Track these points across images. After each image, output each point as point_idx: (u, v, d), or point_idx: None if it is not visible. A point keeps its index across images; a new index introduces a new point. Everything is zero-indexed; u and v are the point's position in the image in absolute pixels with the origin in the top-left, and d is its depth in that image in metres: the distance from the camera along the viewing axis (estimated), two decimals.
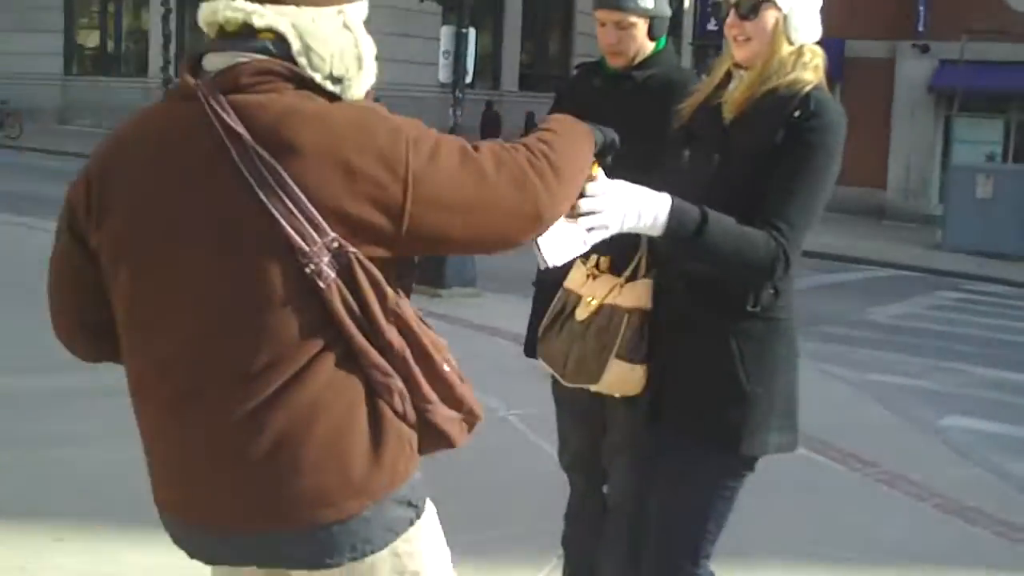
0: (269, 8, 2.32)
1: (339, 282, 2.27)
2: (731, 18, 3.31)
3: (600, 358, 3.54)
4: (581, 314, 3.63)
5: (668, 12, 4.14)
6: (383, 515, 2.40)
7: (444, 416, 2.45)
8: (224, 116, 2.25)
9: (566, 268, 3.57)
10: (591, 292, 3.61)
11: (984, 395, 10.63)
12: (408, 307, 2.43)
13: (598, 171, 2.83)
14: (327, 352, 2.30)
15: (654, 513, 3.49)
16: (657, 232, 3.01)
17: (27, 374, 7.92)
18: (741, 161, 3.24)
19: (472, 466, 6.78)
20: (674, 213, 3.00)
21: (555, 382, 4.33)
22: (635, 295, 3.52)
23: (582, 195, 2.77)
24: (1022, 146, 28.67)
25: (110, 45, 43.59)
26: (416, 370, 2.40)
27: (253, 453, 2.32)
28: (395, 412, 2.38)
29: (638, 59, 4.11)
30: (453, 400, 2.47)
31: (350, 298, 2.29)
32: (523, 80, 41.84)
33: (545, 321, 3.79)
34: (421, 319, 2.47)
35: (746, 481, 3.42)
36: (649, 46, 4.11)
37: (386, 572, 2.47)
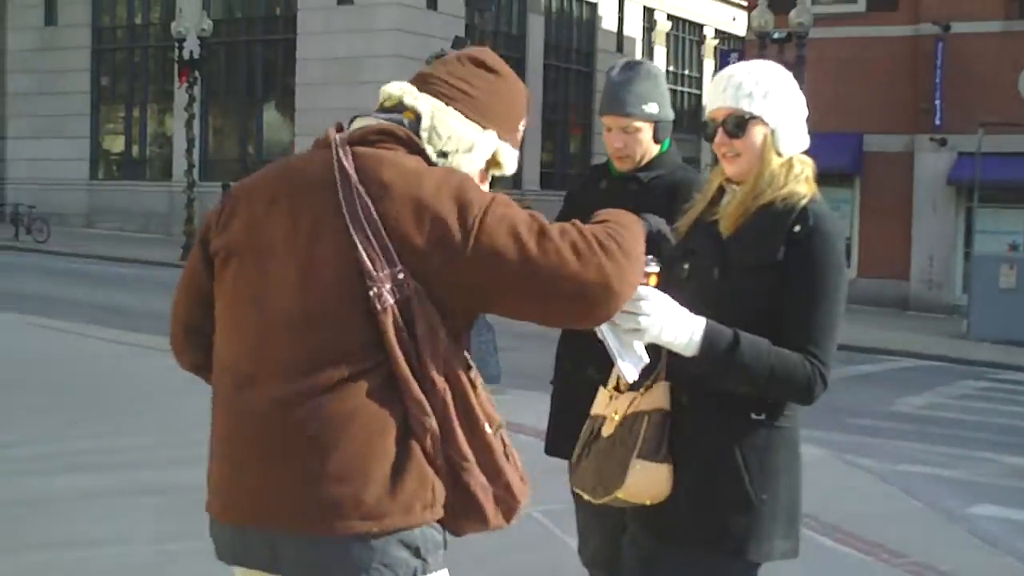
0: (423, 96, 2.78)
1: (396, 310, 2.52)
2: (719, 136, 3.34)
3: (623, 463, 3.43)
4: (606, 431, 3.62)
5: (671, 116, 4.28)
6: (385, 550, 2.52)
7: (478, 482, 2.57)
8: (343, 159, 2.65)
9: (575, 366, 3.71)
10: (614, 409, 3.61)
11: (1012, 484, 10.56)
12: (462, 361, 2.60)
13: (653, 278, 3.01)
14: (372, 373, 2.53)
15: None
16: (691, 351, 3.08)
17: (58, 475, 8.00)
18: (740, 275, 3.26)
19: (498, 559, 6.84)
20: (708, 334, 3.08)
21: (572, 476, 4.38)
22: (654, 398, 3.48)
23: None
24: None
25: (135, 150, 44.25)
26: (455, 419, 2.54)
27: (284, 450, 2.55)
28: (424, 453, 2.52)
29: (643, 161, 4.24)
30: (492, 469, 2.59)
31: (403, 327, 2.53)
32: (544, 179, 42.21)
33: (576, 451, 3.77)
34: (475, 385, 2.62)
35: None
36: (654, 149, 4.25)
37: None
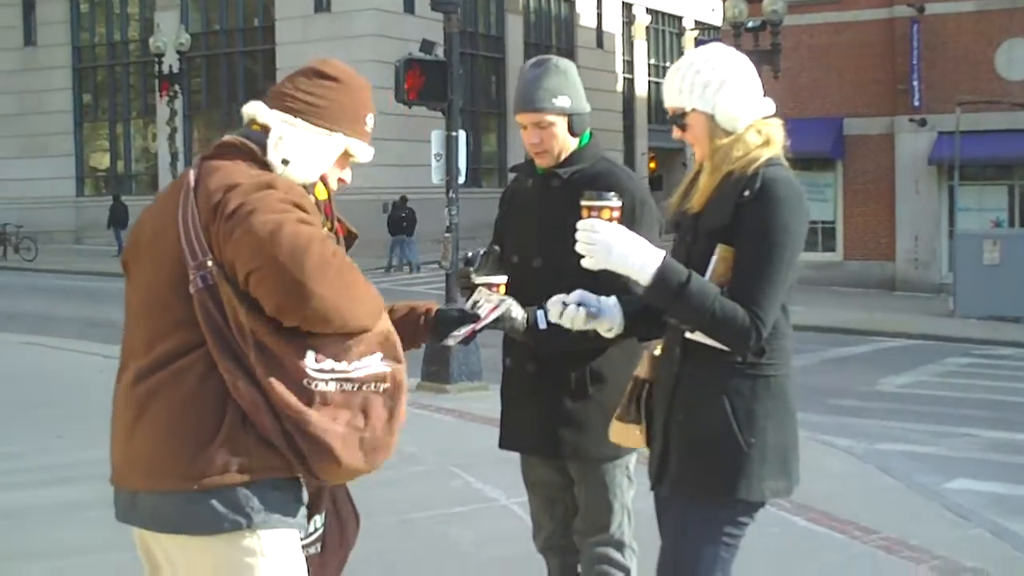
0: (275, 112, 3.17)
1: (206, 293, 2.92)
2: (675, 131, 3.69)
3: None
4: None
5: (587, 109, 4.33)
6: (205, 505, 2.89)
7: (319, 427, 2.91)
8: (190, 170, 3.10)
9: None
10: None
11: (990, 457, 10.69)
12: (270, 330, 2.94)
13: (606, 211, 3.46)
14: (195, 351, 2.94)
15: (660, 568, 3.63)
16: (644, 280, 3.40)
17: (40, 487, 8.13)
18: (705, 240, 3.53)
19: (478, 548, 6.96)
20: (662, 267, 3.38)
21: (524, 467, 4.52)
22: (640, 365, 3.83)
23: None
24: None
25: (120, 166, 44.36)
26: (277, 387, 2.89)
27: (127, 418, 3.00)
28: (246, 420, 2.89)
29: (563, 156, 4.30)
30: (332, 413, 2.93)
31: (213, 309, 2.92)
32: None
33: None
34: (303, 359, 2.96)
35: (747, 532, 3.59)
36: (572, 142, 4.30)
37: (200, 560, 2.96)
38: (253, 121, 3.19)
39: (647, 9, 52.08)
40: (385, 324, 3.09)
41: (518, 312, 3.85)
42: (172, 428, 2.91)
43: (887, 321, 22.58)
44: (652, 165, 52.36)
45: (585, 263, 3.45)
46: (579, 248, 3.44)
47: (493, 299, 3.76)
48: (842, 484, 8.84)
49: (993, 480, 9.69)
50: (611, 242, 3.40)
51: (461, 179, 13.67)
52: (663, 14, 53.71)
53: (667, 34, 54.59)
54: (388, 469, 8.95)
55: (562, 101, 4.23)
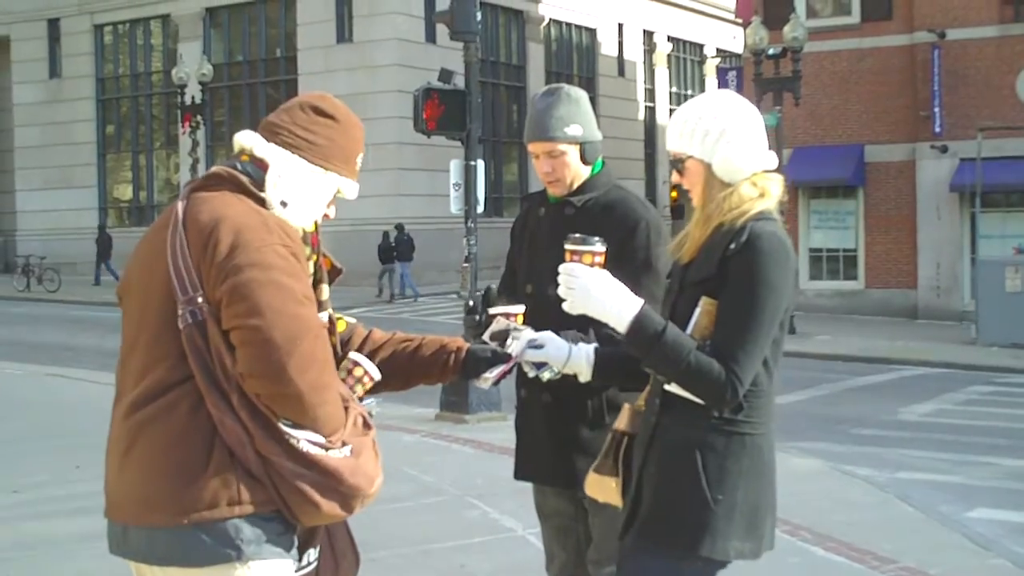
0: (271, 145, 3.17)
1: (194, 330, 2.94)
2: (674, 175, 3.68)
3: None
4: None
5: (598, 137, 4.33)
6: (194, 539, 2.91)
7: (295, 473, 2.93)
8: (179, 202, 3.09)
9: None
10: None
11: (1011, 486, 10.61)
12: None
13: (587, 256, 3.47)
14: (183, 385, 2.95)
15: None
16: (621, 327, 3.41)
17: (57, 518, 8.17)
18: (690, 291, 3.51)
19: None
20: (639, 315, 3.39)
21: (538, 498, 4.52)
22: (620, 418, 3.81)
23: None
24: None
25: (143, 196, 44.58)
26: (259, 425, 2.91)
27: (119, 450, 3.02)
28: (234, 456, 2.90)
29: (575, 184, 4.31)
30: (306, 463, 2.94)
31: (201, 345, 2.93)
32: None
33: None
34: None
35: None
36: (584, 171, 4.31)
37: None
38: (243, 152, 3.20)
39: (668, 37, 52.14)
40: (343, 426, 3.09)
41: None
42: (161, 462, 2.93)
43: (909, 349, 22.48)
44: (674, 195, 52.15)
45: (565, 307, 3.50)
46: (560, 292, 3.49)
47: (522, 334, 3.78)
48: (862, 513, 8.80)
49: (1014, 509, 9.62)
50: (590, 287, 3.44)
51: (480, 209, 13.71)
52: (684, 42, 53.77)
53: (688, 62, 54.66)
54: (406, 499, 9.02)
55: (574, 130, 4.24)
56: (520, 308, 3.91)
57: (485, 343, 3.75)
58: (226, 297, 2.90)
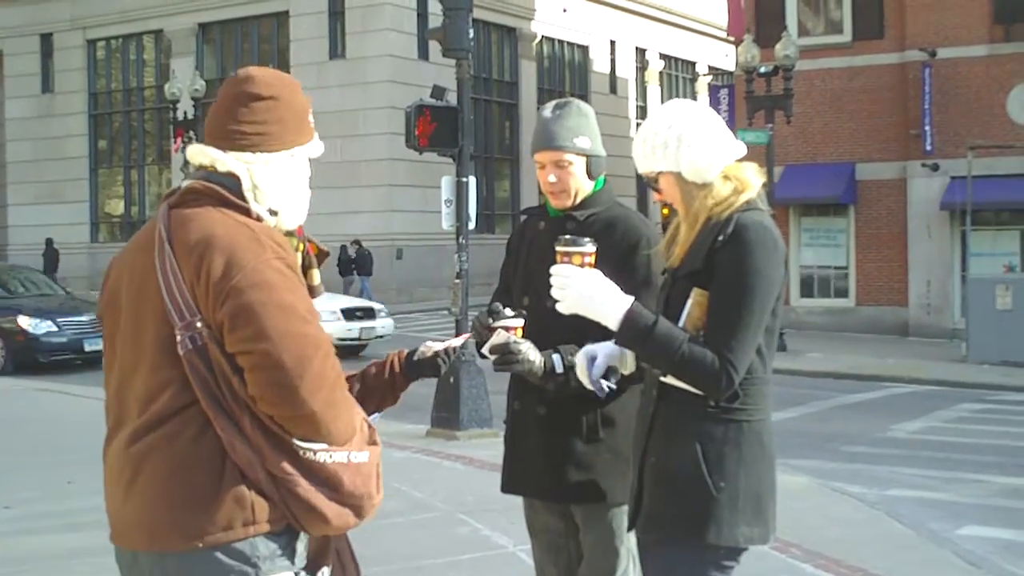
0: (231, 155, 3.07)
1: (195, 356, 2.89)
2: (654, 194, 3.80)
3: None
4: None
5: (603, 153, 4.38)
6: (212, 562, 2.89)
7: (306, 488, 2.93)
8: (160, 222, 3.02)
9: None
10: None
11: (1001, 504, 10.63)
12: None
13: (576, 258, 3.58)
14: (189, 410, 2.92)
15: None
16: (612, 325, 3.49)
17: (50, 534, 8.18)
18: (681, 284, 3.59)
19: None
20: (629, 312, 3.47)
21: (528, 513, 4.53)
22: None
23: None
24: None
25: (135, 211, 44.55)
26: (266, 444, 2.90)
27: (123, 478, 2.98)
28: (244, 476, 2.88)
29: (579, 198, 4.34)
30: (318, 477, 2.95)
31: (204, 370, 2.89)
32: None
33: None
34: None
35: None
36: (588, 185, 4.35)
37: None
38: (204, 167, 3.12)
39: (660, 55, 52.27)
40: (356, 429, 3.10)
41: (535, 356, 3.93)
42: (169, 490, 2.91)
43: (900, 367, 22.50)
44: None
45: (558, 307, 3.59)
46: (552, 293, 3.58)
47: (521, 344, 3.91)
48: (852, 531, 8.82)
49: (1005, 527, 9.64)
50: (580, 287, 3.53)
51: (471, 225, 13.73)
52: (676, 59, 53.90)
53: (680, 80, 54.79)
54: (397, 516, 9.01)
55: (582, 142, 4.27)
56: (520, 321, 3.95)
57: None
58: (228, 321, 2.86)
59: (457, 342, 3.82)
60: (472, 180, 13.78)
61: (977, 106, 28.84)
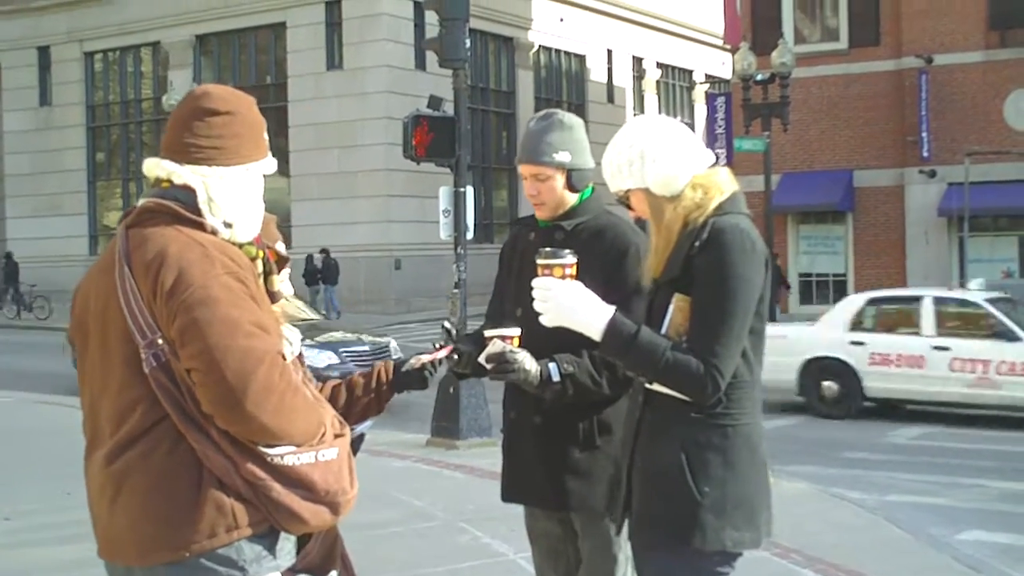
0: (187, 168, 3.13)
1: (160, 372, 2.97)
2: (629, 212, 3.82)
3: None
4: None
5: (589, 164, 4.39)
6: (198, 569, 2.97)
7: (280, 491, 3.00)
8: (118, 243, 3.10)
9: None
10: None
11: (1000, 508, 10.64)
12: None
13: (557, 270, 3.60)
14: (161, 425, 2.99)
15: None
16: (595, 336, 3.51)
17: (49, 546, 8.20)
18: (663, 291, 3.62)
19: None
20: (611, 322, 3.49)
21: (528, 520, 4.55)
22: None
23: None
24: None
25: None
26: (237, 452, 2.96)
27: (106, 496, 3.05)
28: (221, 484, 2.95)
29: (560, 209, 4.37)
30: (289, 480, 3.01)
31: (170, 385, 2.96)
32: None
33: None
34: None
35: None
36: (570, 197, 4.37)
37: None
38: (161, 180, 3.17)
39: (657, 63, 52.35)
40: (324, 424, 3.15)
41: (531, 365, 3.95)
42: (152, 504, 2.98)
43: None
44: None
45: (541, 320, 3.60)
46: (535, 306, 3.59)
47: (517, 354, 3.93)
48: (851, 536, 8.83)
49: (1003, 531, 9.65)
50: (561, 299, 3.55)
51: (469, 235, 13.76)
52: (673, 68, 53.97)
53: (677, 88, 54.87)
54: (397, 524, 9.03)
55: (562, 156, 4.29)
56: (516, 331, 3.97)
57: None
58: (178, 338, 2.93)
59: (441, 354, 3.87)
60: (470, 190, 13.81)
61: (973, 112, 28.94)
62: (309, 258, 33.68)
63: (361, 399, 3.77)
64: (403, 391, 3.86)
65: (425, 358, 3.82)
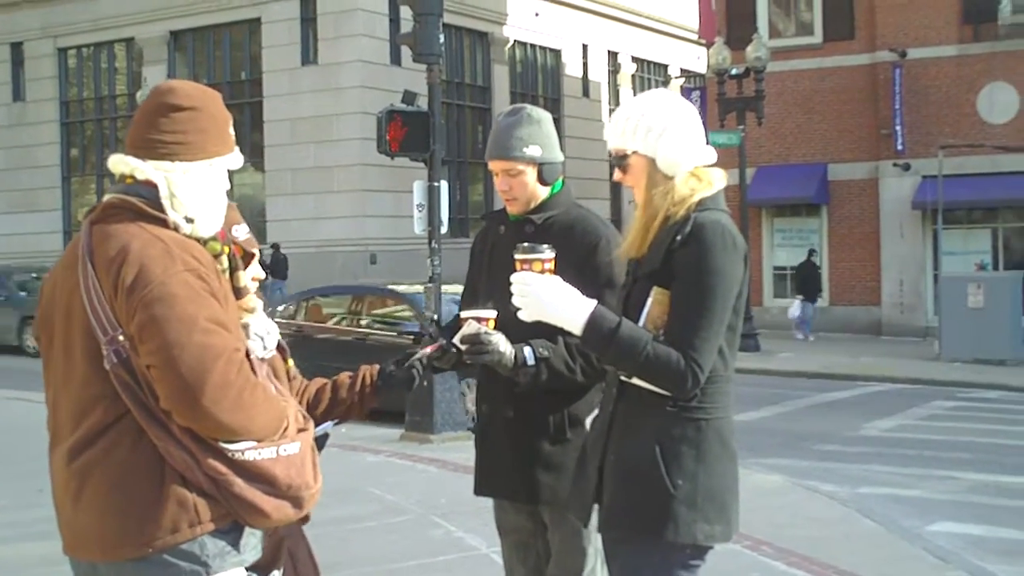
0: (150, 163, 3.14)
1: (121, 368, 2.97)
2: (616, 172, 3.76)
3: None
4: None
5: (559, 158, 4.41)
6: (161, 564, 2.97)
7: (242, 487, 3.00)
8: (81, 240, 3.11)
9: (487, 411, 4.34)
10: None
11: (971, 500, 10.70)
12: None
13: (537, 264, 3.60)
14: (123, 421, 2.99)
15: None
16: (576, 330, 3.50)
17: (19, 542, 8.23)
18: (642, 283, 3.62)
19: None
20: (591, 316, 3.48)
21: (498, 513, 4.56)
22: None
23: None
24: (1011, 254, 28.94)
25: None
26: (198, 448, 2.97)
27: (69, 492, 3.07)
28: (184, 479, 2.96)
29: (532, 204, 4.39)
30: (251, 475, 3.01)
31: (130, 381, 2.97)
32: None
33: None
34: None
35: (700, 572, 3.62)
36: (541, 191, 4.39)
37: None
38: (124, 176, 3.18)
39: (633, 58, 52.34)
40: (286, 419, 3.15)
41: (506, 347, 3.95)
42: (115, 500, 2.99)
43: (873, 366, 22.62)
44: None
45: (520, 315, 3.58)
46: (514, 301, 3.58)
47: (492, 336, 3.94)
48: (823, 528, 8.88)
49: (975, 523, 9.71)
50: (541, 294, 3.54)
51: (444, 229, 13.77)
52: (648, 62, 53.96)
53: (653, 82, 54.87)
54: (370, 519, 9.02)
55: (532, 151, 4.31)
56: (492, 313, 3.98)
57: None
58: (137, 334, 2.94)
59: (428, 351, 3.88)
60: (444, 184, 13.83)
61: (947, 106, 29.04)
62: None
63: (344, 400, 3.80)
64: (391, 389, 3.88)
65: (414, 357, 3.85)
